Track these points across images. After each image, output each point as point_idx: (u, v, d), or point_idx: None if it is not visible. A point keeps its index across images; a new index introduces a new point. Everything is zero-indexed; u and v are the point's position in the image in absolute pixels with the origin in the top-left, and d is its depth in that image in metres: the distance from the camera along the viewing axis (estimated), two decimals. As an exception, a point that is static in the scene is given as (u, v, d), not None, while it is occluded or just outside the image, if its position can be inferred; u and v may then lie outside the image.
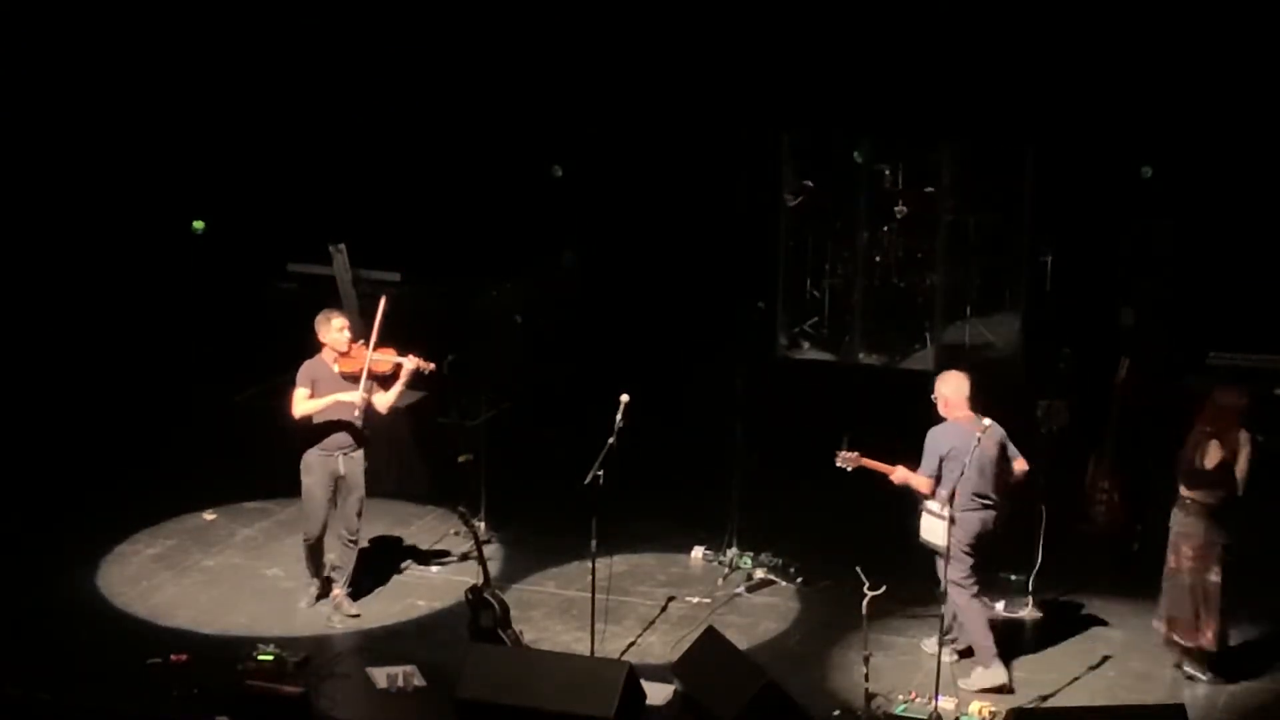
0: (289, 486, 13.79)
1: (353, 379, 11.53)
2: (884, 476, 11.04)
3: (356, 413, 11.49)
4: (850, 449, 11.01)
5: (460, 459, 13.38)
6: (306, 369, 11.60)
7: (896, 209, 16.07)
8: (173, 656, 11.11)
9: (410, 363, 11.54)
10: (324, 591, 11.95)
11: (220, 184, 16.79)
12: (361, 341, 11.62)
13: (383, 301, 11.68)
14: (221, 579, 12.59)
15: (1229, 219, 14.94)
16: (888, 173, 16.14)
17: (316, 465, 11.62)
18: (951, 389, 10.97)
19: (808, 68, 15.84)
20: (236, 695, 10.44)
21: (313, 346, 11.69)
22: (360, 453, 11.70)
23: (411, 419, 14.30)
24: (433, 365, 11.74)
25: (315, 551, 11.85)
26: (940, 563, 10.74)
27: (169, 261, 16.77)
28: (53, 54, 16.73)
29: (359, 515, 11.80)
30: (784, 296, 16.56)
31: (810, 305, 16.64)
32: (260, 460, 14.28)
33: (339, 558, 11.87)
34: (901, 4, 15.51)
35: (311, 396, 11.50)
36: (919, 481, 10.86)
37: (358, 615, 11.80)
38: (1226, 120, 14.82)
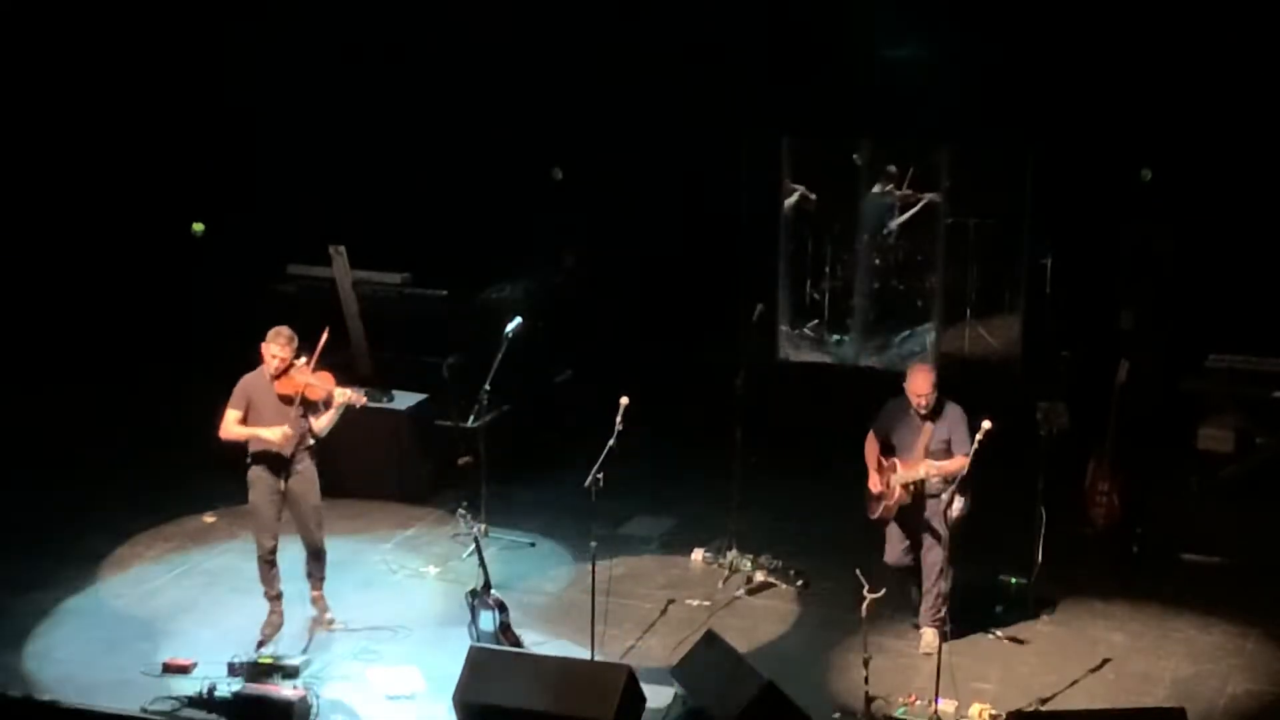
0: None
1: (287, 401, 11.36)
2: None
3: (276, 450, 11.32)
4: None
5: (460, 461, 13.40)
6: (242, 388, 11.35)
7: (888, 229, 16.14)
8: (173, 659, 11.10)
9: (342, 396, 11.38)
10: (277, 611, 11.65)
11: (220, 186, 16.79)
12: (303, 361, 11.42)
13: (324, 333, 11.50)
14: (221, 581, 12.58)
15: (1228, 222, 14.94)
16: (890, 186, 16.13)
17: (259, 480, 11.42)
18: None
19: (808, 71, 15.85)
20: (236, 697, 10.46)
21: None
22: (304, 466, 11.48)
23: (411, 421, 14.30)
24: (365, 399, 11.69)
25: (267, 565, 11.58)
26: (939, 542, 11.05)
27: (169, 264, 16.78)
28: (53, 57, 16.75)
29: (318, 526, 11.65)
30: (784, 299, 16.55)
31: (810, 308, 16.64)
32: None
33: (311, 574, 11.78)
34: (901, 7, 15.51)
35: (244, 418, 11.30)
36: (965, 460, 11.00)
37: (334, 621, 11.74)
38: (1226, 123, 14.82)
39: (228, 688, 10.61)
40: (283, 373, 11.36)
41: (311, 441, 11.53)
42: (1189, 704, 10.37)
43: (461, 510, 11.85)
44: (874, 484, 11.38)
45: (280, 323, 11.53)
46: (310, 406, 11.42)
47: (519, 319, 13.19)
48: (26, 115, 16.65)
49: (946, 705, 10.55)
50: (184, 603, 12.19)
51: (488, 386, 12.96)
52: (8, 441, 14.79)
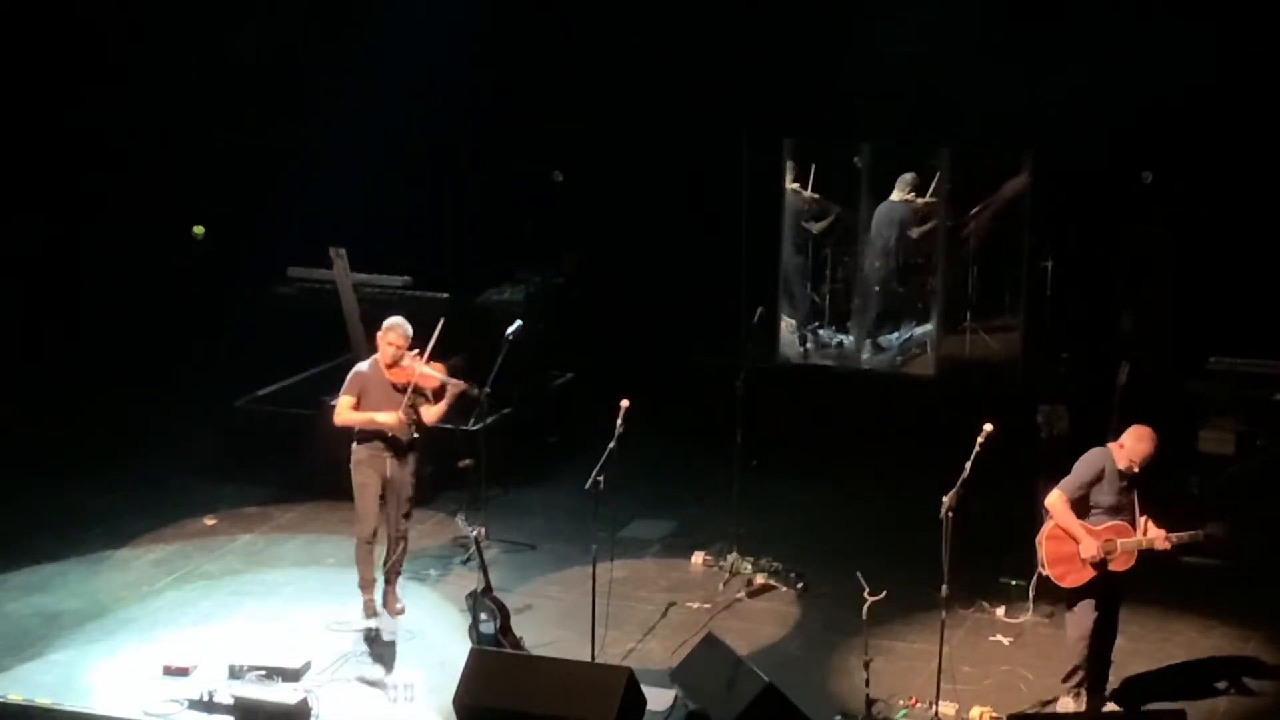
0: (289, 491, 13.87)
1: (400, 390, 11.58)
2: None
3: (390, 434, 11.56)
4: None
5: (461, 464, 13.39)
6: (357, 377, 11.63)
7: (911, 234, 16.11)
8: (173, 662, 11.10)
9: (456, 387, 11.72)
10: (371, 599, 11.85)
11: (221, 188, 16.79)
12: (416, 352, 11.66)
13: (439, 324, 11.77)
14: (221, 584, 12.58)
15: (1229, 223, 14.95)
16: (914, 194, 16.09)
17: (366, 463, 11.63)
18: None
19: (808, 73, 15.85)
20: (237, 701, 10.45)
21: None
22: (410, 458, 11.72)
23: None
24: (478, 391, 12.06)
25: (367, 554, 11.77)
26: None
27: (169, 266, 16.78)
28: (53, 59, 16.76)
29: (407, 516, 11.85)
30: (784, 301, 16.54)
31: (811, 310, 16.63)
32: (260, 465, 14.29)
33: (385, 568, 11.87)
34: (902, 11, 15.52)
35: (357, 405, 11.54)
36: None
37: (403, 610, 11.88)
38: (1226, 125, 14.83)
39: (228, 691, 10.61)
40: (395, 362, 11.57)
41: (417, 434, 11.69)
42: (1189, 707, 10.38)
43: (462, 513, 11.83)
44: (1090, 551, 10.35)
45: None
46: (421, 396, 11.64)
47: (519, 322, 13.18)
48: (28, 117, 16.67)
49: (947, 707, 10.54)
50: (184, 605, 12.18)
51: (488, 389, 12.96)
52: (9, 444, 14.78)
